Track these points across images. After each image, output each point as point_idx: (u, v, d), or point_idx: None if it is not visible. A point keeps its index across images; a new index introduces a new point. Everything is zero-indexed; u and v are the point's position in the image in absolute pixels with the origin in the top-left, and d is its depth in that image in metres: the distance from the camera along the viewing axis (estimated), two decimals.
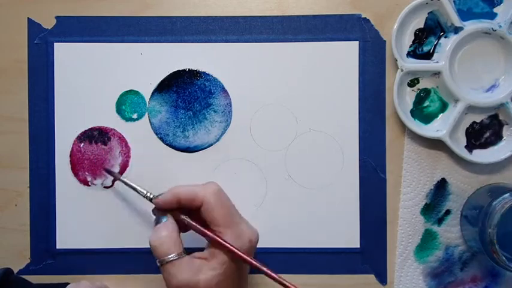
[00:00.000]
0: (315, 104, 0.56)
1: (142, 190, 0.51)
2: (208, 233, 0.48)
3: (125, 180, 0.52)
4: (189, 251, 0.48)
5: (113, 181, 0.56)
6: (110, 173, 0.55)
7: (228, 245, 0.46)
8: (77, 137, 0.56)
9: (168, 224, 0.48)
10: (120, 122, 0.56)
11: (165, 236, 0.47)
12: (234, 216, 0.49)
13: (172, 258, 0.47)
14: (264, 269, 0.46)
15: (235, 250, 0.46)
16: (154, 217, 0.50)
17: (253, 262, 0.46)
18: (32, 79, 0.56)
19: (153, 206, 0.50)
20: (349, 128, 0.56)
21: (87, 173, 0.56)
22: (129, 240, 0.56)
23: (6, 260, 0.56)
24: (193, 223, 0.48)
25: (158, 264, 0.47)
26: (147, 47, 0.56)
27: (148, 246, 0.54)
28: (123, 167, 0.56)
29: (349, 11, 0.56)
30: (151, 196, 0.50)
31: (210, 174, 0.56)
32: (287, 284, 0.45)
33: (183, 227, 0.50)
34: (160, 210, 0.49)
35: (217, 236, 0.47)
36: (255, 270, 0.48)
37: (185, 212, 0.49)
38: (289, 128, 0.56)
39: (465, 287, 0.56)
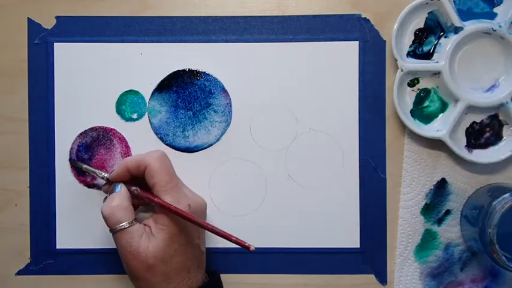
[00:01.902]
0: (315, 104, 0.56)
1: (96, 171, 0.53)
2: (150, 196, 0.49)
3: (82, 165, 0.54)
4: None
5: (72, 167, 0.56)
6: (72, 162, 0.56)
7: (166, 204, 0.48)
8: (77, 137, 0.56)
9: (120, 193, 0.50)
10: (120, 122, 0.56)
11: (116, 205, 0.49)
12: (175, 181, 0.50)
13: (123, 226, 0.48)
14: (200, 222, 0.47)
15: (173, 208, 0.48)
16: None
17: (188, 216, 0.47)
18: (32, 79, 0.56)
19: None
20: (349, 128, 0.56)
21: (87, 173, 0.56)
22: None
23: (6, 260, 0.56)
24: (139, 189, 0.50)
25: (110, 233, 0.49)
26: (147, 47, 0.56)
27: None
28: None
29: (349, 11, 0.56)
30: (106, 175, 0.52)
31: (210, 174, 0.56)
32: (231, 237, 0.46)
33: (137, 201, 0.52)
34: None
35: (157, 199, 0.49)
36: (243, 270, 0.53)
37: (138, 185, 0.51)
38: (289, 128, 0.56)
39: (465, 287, 0.56)
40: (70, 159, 0.56)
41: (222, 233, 0.47)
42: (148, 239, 0.48)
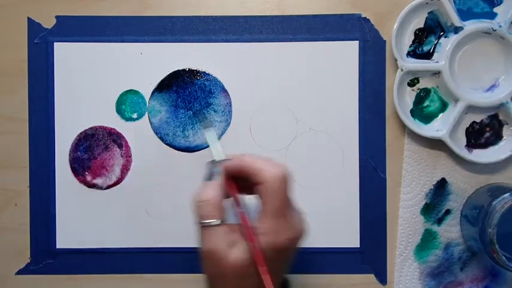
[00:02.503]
0: (315, 104, 0.56)
1: (219, 151, 0.49)
2: (245, 224, 0.44)
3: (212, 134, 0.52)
4: None
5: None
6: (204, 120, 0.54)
7: (252, 243, 0.43)
8: (77, 136, 0.56)
9: (216, 185, 0.45)
10: (120, 122, 0.56)
11: (209, 198, 0.44)
12: (285, 209, 0.44)
13: (210, 224, 0.44)
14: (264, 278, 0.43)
15: (255, 248, 0.43)
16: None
17: (261, 265, 0.43)
18: (32, 79, 0.56)
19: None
20: (349, 128, 0.56)
21: (87, 173, 0.56)
22: (128, 240, 0.56)
23: (6, 260, 0.56)
24: (239, 201, 0.46)
25: (196, 222, 0.45)
26: (147, 46, 0.56)
27: (148, 246, 0.54)
28: (123, 167, 0.56)
29: (349, 11, 0.56)
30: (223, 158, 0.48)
31: None
32: None
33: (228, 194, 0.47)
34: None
35: (250, 229, 0.44)
36: None
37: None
38: (289, 128, 0.56)
39: (465, 287, 0.56)
40: (200, 114, 0.53)
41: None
42: (231, 247, 0.43)
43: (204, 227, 0.44)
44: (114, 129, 0.56)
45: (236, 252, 0.43)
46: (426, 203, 0.56)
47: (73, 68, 0.56)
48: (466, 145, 0.55)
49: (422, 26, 0.55)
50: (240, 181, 0.46)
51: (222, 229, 0.44)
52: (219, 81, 0.56)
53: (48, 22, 0.56)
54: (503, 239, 0.49)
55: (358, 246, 0.56)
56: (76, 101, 0.56)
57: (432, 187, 0.56)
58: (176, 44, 0.56)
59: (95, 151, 0.56)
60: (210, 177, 0.47)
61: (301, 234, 0.45)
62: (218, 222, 0.44)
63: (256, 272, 0.43)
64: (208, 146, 0.56)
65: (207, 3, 0.56)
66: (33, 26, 0.56)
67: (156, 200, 0.56)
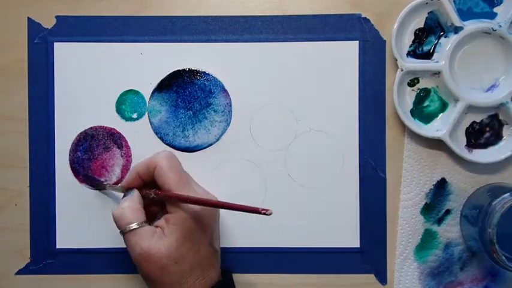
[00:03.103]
0: (315, 104, 0.56)
1: (112, 186, 0.54)
2: (167, 193, 0.49)
3: (103, 183, 0.55)
4: None
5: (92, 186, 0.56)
6: (89, 179, 0.56)
7: (184, 196, 0.47)
8: (77, 136, 0.56)
9: (132, 196, 0.50)
10: (120, 122, 0.56)
11: (126, 206, 0.49)
12: (185, 179, 0.49)
13: (133, 227, 0.48)
14: (217, 202, 0.48)
15: (191, 198, 0.47)
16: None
17: (208, 200, 0.47)
18: (32, 79, 0.56)
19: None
20: (349, 128, 0.56)
21: (87, 173, 0.56)
22: None
23: (6, 260, 0.56)
24: (156, 190, 0.50)
25: (121, 234, 0.49)
26: (147, 46, 0.56)
27: None
28: (123, 167, 0.56)
29: (349, 11, 0.56)
30: (119, 185, 0.53)
31: (210, 174, 0.56)
32: (244, 207, 0.46)
33: (152, 210, 0.52)
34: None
35: (173, 193, 0.48)
36: (243, 269, 0.54)
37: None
38: (289, 128, 0.56)
39: (465, 287, 0.56)
40: (92, 181, 0.56)
41: (239, 206, 0.46)
42: (160, 240, 0.48)
43: (128, 232, 0.48)
44: (114, 129, 0.56)
45: (166, 241, 0.47)
46: (426, 203, 0.56)
47: (73, 68, 0.56)
48: (466, 145, 0.55)
49: (422, 26, 0.55)
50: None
51: (146, 228, 0.48)
52: (219, 81, 0.56)
53: (48, 22, 0.56)
54: (503, 239, 0.49)
55: (358, 246, 0.56)
56: (76, 101, 0.56)
57: (432, 187, 0.56)
58: (176, 44, 0.56)
59: (95, 151, 0.56)
60: (124, 196, 0.51)
61: (212, 198, 0.51)
62: (139, 224, 0.48)
63: (189, 248, 0.47)
64: (206, 147, 0.56)
65: (207, 3, 0.56)
66: (33, 26, 0.56)
67: None
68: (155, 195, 0.49)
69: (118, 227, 0.49)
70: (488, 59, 0.55)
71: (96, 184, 0.55)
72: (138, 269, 0.49)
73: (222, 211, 0.55)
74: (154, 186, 0.50)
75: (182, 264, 0.48)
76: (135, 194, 0.50)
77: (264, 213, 0.44)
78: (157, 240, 0.47)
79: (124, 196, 0.51)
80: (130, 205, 0.49)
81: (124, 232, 0.48)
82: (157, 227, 0.49)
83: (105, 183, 0.55)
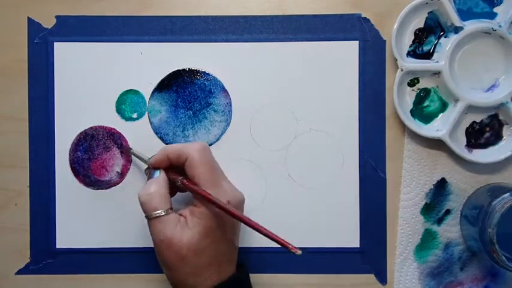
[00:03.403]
0: (315, 104, 0.56)
1: (140, 155, 0.53)
2: (195, 188, 0.48)
3: (133, 151, 0.55)
4: None
5: (123, 152, 0.56)
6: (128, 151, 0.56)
7: (210, 197, 0.47)
8: (77, 136, 0.56)
9: (158, 179, 0.50)
10: (120, 122, 0.56)
11: (154, 191, 0.48)
12: (215, 175, 0.49)
13: (159, 214, 0.48)
14: (245, 219, 0.46)
15: (216, 201, 0.47)
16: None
17: (231, 210, 0.47)
18: (32, 79, 0.56)
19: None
20: (349, 128, 0.56)
21: (87, 173, 0.56)
22: (128, 240, 0.56)
23: (6, 260, 0.56)
24: (180, 177, 0.49)
25: (146, 218, 0.49)
26: (147, 46, 0.56)
27: (148, 246, 0.54)
28: (123, 167, 0.56)
29: (349, 11, 0.56)
30: (147, 157, 0.52)
31: None
32: (275, 237, 0.45)
33: (174, 188, 0.51)
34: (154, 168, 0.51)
35: (200, 190, 0.48)
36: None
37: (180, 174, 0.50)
38: (289, 128, 0.56)
39: (465, 287, 0.56)
40: (126, 147, 0.56)
41: (265, 231, 0.45)
42: (183, 230, 0.48)
43: (153, 218, 0.48)
44: (114, 129, 0.56)
45: (188, 233, 0.47)
46: (426, 203, 0.56)
47: (73, 68, 0.56)
48: (466, 145, 0.55)
49: (422, 26, 0.55)
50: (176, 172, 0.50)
51: (171, 216, 0.48)
52: (219, 81, 0.56)
53: (48, 22, 0.56)
54: (503, 239, 0.49)
55: (358, 246, 0.56)
56: (76, 101, 0.56)
57: (432, 187, 0.56)
58: (176, 44, 0.56)
59: (95, 151, 0.56)
60: (149, 177, 0.51)
61: (238, 198, 0.50)
62: (166, 211, 0.48)
63: (209, 244, 0.47)
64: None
65: (207, 3, 0.56)
66: (33, 26, 0.56)
67: None
68: (182, 184, 0.49)
69: (144, 211, 0.48)
70: (488, 59, 0.55)
71: (124, 149, 0.55)
72: (157, 255, 0.49)
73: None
74: (181, 171, 0.50)
75: (201, 257, 0.48)
76: (162, 178, 0.50)
77: (294, 253, 0.44)
78: (180, 230, 0.48)
79: (149, 176, 0.50)
80: (158, 190, 0.48)
81: (150, 218, 0.48)
82: (181, 215, 0.49)
83: (131, 149, 0.54)
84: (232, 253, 0.51)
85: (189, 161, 0.48)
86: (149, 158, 0.51)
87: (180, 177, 0.49)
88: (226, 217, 0.48)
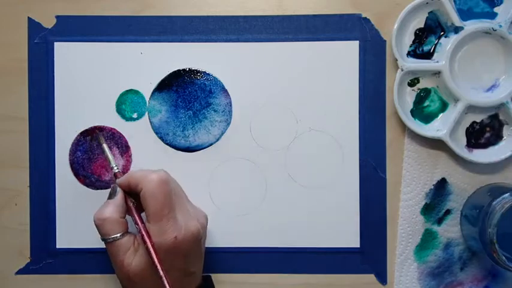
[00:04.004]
0: (315, 104, 0.56)
1: (112, 162, 0.53)
2: (137, 219, 0.49)
3: (104, 144, 0.54)
4: None
5: (91, 139, 0.56)
6: (98, 135, 0.56)
7: (147, 242, 0.48)
8: (77, 136, 0.56)
9: (115, 202, 0.50)
10: (120, 122, 0.56)
11: (107, 217, 0.49)
12: (167, 209, 0.48)
13: (112, 239, 0.48)
14: (162, 276, 0.47)
15: (150, 249, 0.47)
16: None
17: (157, 264, 0.47)
18: (32, 78, 0.56)
19: None
20: (349, 128, 0.56)
21: (87, 173, 0.56)
22: None
23: (6, 260, 0.56)
24: (132, 209, 0.50)
25: (101, 239, 0.49)
26: (147, 46, 0.56)
27: None
28: (124, 167, 0.56)
29: (349, 11, 0.56)
30: (116, 170, 0.52)
31: (210, 173, 0.56)
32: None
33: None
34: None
35: (144, 230, 0.48)
36: (243, 269, 0.54)
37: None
38: (289, 127, 0.56)
39: (465, 287, 0.56)
40: (97, 133, 0.55)
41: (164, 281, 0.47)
42: (133, 255, 0.48)
43: (107, 242, 0.49)
44: (114, 129, 0.56)
45: (137, 259, 0.48)
46: (426, 203, 0.56)
47: (73, 68, 0.56)
48: (466, 145, 0.55)
49: (422, 26, 0.55)
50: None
51: (124, 241, 0.49)
52: (219, 81, 0.56)
53: (48, 22, 0.56)
54: (503, 239, 0.49)
55: (358, 246, 0.56)
56: (76, 100, 0.56)
57: (432, 187, 0.56)
58: (176, 44, 0.56)
59: (95, 151, 0.56)
60: (111, 195, 0.51)
61: (190, 232, 0.49)
62: (119, 236, 0.49)
63: (155, 273, 0.47)
64: (207, 146, 0.56)
65: (207, 3, 0.56)
66: (33, 26, 0.56)
67: None
68: (128, 211, 0.50)
69: (99, 233, 0.49)
70: (488, 59, 0.55)
71: (99, 138, 0.55)
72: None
73: (224, 210, 0.55)
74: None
75: (149, 283, 0.48)
76: (118, 201, 0.50)
77: None
78: (131, 255, 0.48)
79: (110, 194, 0.51)
80: (111, 215, 0.49)
81: (104, 241, 0.49)
82: (135, 237, 0.49)
83: (112, 168, 0.53)
84: (186, 280, 0.50)
85: (143, 193, 0.48)
86: (115, 172, 0.52)
87: (131, 203, 0.50)
88: (177, 249, 0.48)
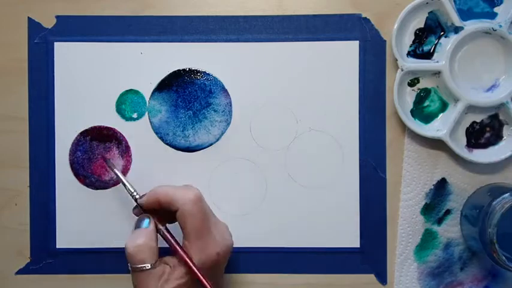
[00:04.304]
0: (315, 104, 0.56)
1: (130, 188, 0.51)
2: (173, 244, 0.49)
3: (118, 173, 0.53)
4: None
5: (108, 169, 0.55)
6: (107, 162, 0.55)
7: (189, 263, 0.47)
8: (77, 136, 0.56)
9: (149, 230, 0.49)
10: (120, 122, 0.56)
11: (143, 244, 0.48)
12: (206, 226, 0.48)
13: (145, 268, 0.47)
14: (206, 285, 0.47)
15: (193, 268, 0.47)
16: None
17: (204, 282, 0.47)
18: (32, 78, 0.56)
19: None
20: (349, 128, 0.56)
21: (87, 173, 0.56)
22: None
23: (6, 259, 0.56)
24: (167, 235, 0.49)
25: (130, 268, 0.48)
26: (147, 46, 0.56)
27: None
28: (124, 167, 0.56)
29: (349, 11, 0.56)
30: (137, 196, 0.51)
31: (210, 173, 0.56)
32: None
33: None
34: (143, 211, 0.50)
35: (182, 250, 0.48)
36: (243, 269, 0.54)
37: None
38: (289, 127, 0.56)
39: (465, 287, 0.56)
40: (106, 160, 0.55)
41: None
42: (166, 284, 0.47)
43: (138, 271, 0.47)
44: (114, 128, 0.56)
45: (169, 286, 0.47)
46: (426, 203, 0.56)
47: (73, 68, 0.56)
48: (466, 145, 0.55)
49: (422, 26, 0.55)
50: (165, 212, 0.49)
51: (156, 270, 0.48)
52: (219, 81, 0.56)
53: (48, 22, 0.56)
54: (503, 239, 0.49)
55: (358, 246, 0.56)
56: (76, 100, 0.56)
57: (432, 187, 0.56)
58: (176, 44, 0.56)
59: (95, 151, 0.56)
60: (138, 224, 0.50)
61: (227, 247, 0.50)
62: (151, 265, 0.47)
63: None
64: (207, 146, 0.56)
65: (207, 3, 0.56)
66: (33, 26, 0.56)
67: None
68: (163, 237, 0.49)
69: (130, 261, 0.48)
70: (488, 59, 0.55)
71: (109, 165, 0.54)
72: None
73: (224, 210, 0.55)
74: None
75: None
76: (152, 229, 0.49)
77: None
78: (163, 284, 0.47)
79: (138, 221, 0.50)
80: (147, 243, 0.48)
81: (135, 270, 0.48)
82: (167, 264, 0.48)
83: (133, 193, 0.51)
84: None
85: (181, 212, 0.48)
86: (139, 197, 0.50)
87: (163, 227, 0.50)
88: (220, 262, 0.49)
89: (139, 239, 0.48)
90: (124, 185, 0.52)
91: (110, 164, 0.54)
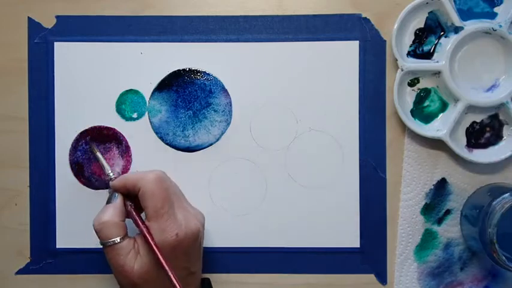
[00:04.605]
0: (315, 104, 0.56)
1: (107, 168, 0.53)
2: (137, 220, 0.49)
3: (98, 153, 0.54)
4: None
5: (88, 149, 0.56)
6: (89, 143, 0.56)
7: (150, 241, 0.48)
8: (77, 136, 0.56)
9: (114, 206, 0.50)
10: (120, 122, 0.56)
11: (107, 220, 0.49)
12: (166, 207, 0.48)
13: (112, 243, 0.48)
14: (170, 274, 0.47)
15: (152, 245, 0.47)
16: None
17: (162, 261, 0.47)
18: (32, 78, 0.56)
19: None
20: (349, 128, 0.56)
21: (87, 173, 0.56)
22: None
23: (6, 260, 0.56)
24: (132, 211, 0.50)
25: (100, 244, 0.49)
26: (147, 46, 0.56)
27: None
28: (124, 167, 0.56)
29: (349, 11, 0.56)
30: (112, 176, 0.52)
31: (210, 173, 0.56)
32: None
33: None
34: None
35: (145, 228, 0.48)
36: (243, 269, 0.54)
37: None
38: (289, 127, 0.56)
39: (465, 287, 0.56)
40: (89, 141, 0.55)
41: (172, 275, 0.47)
42: (135, 258, 0.48)
43: (107, 246, 0.48)
44: (114, 128, 0.56)
45: (139, 261, 0.48)
46: (426, 203, 0.56)
47: (73, 68, 0.56)
48: (466, 145, 0.55)
49: (422, 26, 0.55)
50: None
51: (124, 244, 0.48)
52: (219, 81, 0.56)
53: (48, 22, 0.56)
54: (503, 239, 0.49)
55: (358, 246, 0.56)
56: (76, 100, 0.56)
57: (432, 187, 0.56)
58: (176, 44, 0.56)
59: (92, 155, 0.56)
60: (109, 200, 0.51)
61: (191, 230, 0.49)
62: (119, 239, 0.48)
63: (159, 273, 0.47)
64: (207, 146, 0.56)
65: (207, 3, 0.56)
66: (33, 26, 0.56)
67: None
68: (127, 213, 0.50)
69: (98, 237, 0.49)
70: (488, 59, 0.55)
71: (92, 147, 0.55)
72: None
73: (224, 210, 0.55)
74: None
75: (153, 284, 0.48)
76: (118, 204, 0.50)
77: None
78: (132, 258, 0.48)
79: (110, 197, 0.51)
80: (111, 219, 0.49)
81: (104, 246, 0.49)
82: (135, 240, 0.49)
83: (108, 175, 0.53)
84: (188, 279, 0.50)
85: (141, 192, 0.49)
86: (111, 178, 0.52)
87: (130, 204, 0.50)
88: (178, 247, 0.48)
89: (105, 215, 0.49)
90: (102, 165, 0.53)
91: (91, 144, 0.55)
